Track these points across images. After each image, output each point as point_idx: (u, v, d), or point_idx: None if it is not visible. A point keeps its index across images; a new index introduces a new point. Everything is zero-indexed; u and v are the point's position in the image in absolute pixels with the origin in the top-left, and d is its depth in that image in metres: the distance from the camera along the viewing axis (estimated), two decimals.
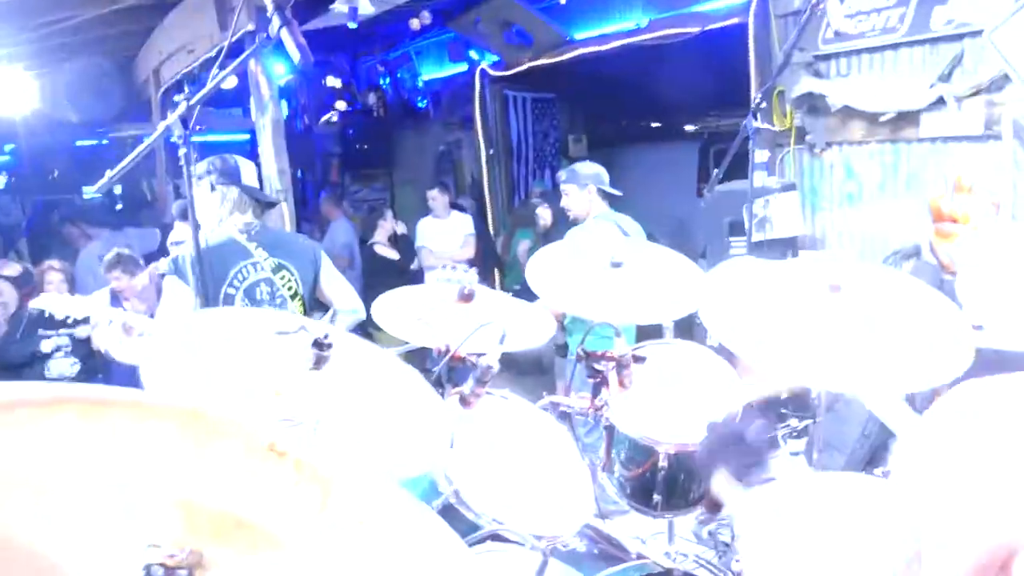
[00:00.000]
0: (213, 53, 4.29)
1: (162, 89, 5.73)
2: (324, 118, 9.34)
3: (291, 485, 0.94)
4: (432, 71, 8.52)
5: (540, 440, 1.84)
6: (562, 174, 4.22)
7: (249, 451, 0.96)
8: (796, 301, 2.13)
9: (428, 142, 8.97)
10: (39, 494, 0.75)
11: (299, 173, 9.93)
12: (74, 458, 0.81)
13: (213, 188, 2.85)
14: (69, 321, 4.04)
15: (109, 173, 2.26)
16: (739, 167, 3.89)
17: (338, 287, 3.07)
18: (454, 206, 7.28)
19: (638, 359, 2.08)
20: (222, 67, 3.36)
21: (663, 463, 1.94)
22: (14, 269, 5.95)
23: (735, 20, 4.99)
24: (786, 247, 4.69)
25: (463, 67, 7.88)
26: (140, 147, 2.22)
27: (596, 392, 2.06)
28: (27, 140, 9.29)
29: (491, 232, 7.79)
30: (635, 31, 5.85)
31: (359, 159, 9.43)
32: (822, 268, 2.23)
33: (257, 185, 3.01)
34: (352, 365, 1.49)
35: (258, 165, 4.06)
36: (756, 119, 2.62)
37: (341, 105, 9.37)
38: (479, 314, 1.96)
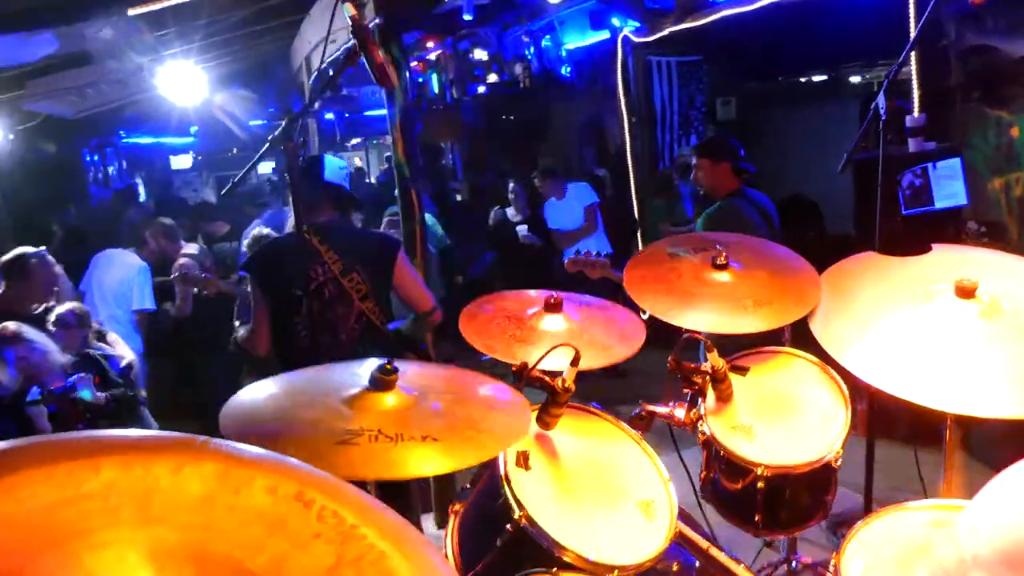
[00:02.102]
0: (350, 44, 4.44)
1: (313, 75, 6.03)
2: (476, 92, 9.47)
3: (310, 537, 0.97)
4: (575, 39, 8.38)
5: (623, 457, 1.79)
6: (693, 149, 4.05)
7: (276, 498, 1.00)
8: (920, 306, 1.94)
9: (572, 112, 8.88)
10: (68, 544, 0.81)
11: (448, 146, 10.17)
12: (107, 511, 0.87)
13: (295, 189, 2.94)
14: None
15: (244, 169, 2.46)
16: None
17: (411, 290, 3.06)
18: (591, 177, 7.22)
19: (738, 369, 1.98)
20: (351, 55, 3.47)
21: (761, 484, 1.84)
22: (194, 247, 6.52)
23: None
24: (947, 221, 4.27)
25: (605, 35, 7.70)
26: (260, 152, 2.35)
27: (693, 403, 1.99)
28: (207, 122, 10.06)
29: (634, 200, 7.64)
30: None
31: (505, 131, 9.49)
32: (954, 266, 2.01)
33: (344, 184, 3.08)
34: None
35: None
36: (887, 96, 2.36)
37: (492, 78, 9.44)
38: (567, 323, 1.93)
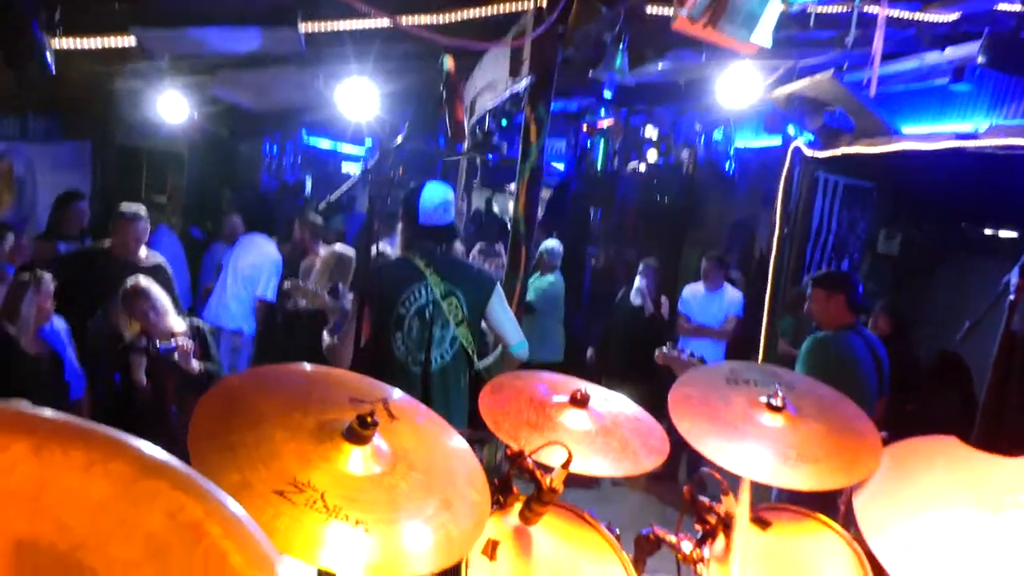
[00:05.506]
0: (506, 94, 4.60)
1: (474, 118, 6.25)
2: (631, 165, 9.48)
3: (185, 571, 0.93)
4: (746, 138, 8.24)
5: (601, 573, 1.68)
6: (810, 279, 3.93)
7: (172, 522, 0.98)
8: (984, 513, 1.70)
9: (726, 208, 8.70)
10: None
11: (596, 213, 10.21)
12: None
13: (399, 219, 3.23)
14: None
15: (331, 196, 2.59)
16: None
17: (503, 323, 3.21)
18: (727, 279, 7.00)
19: (760, 522, 1.83)
20: (507, 109, 3.57)
21: None
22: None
23: None
24: None
25: (777, 140, 7.51)
26: (352, 180, 2.44)
27: (701, 542, 1.84)
28: (379, 138, 10.62)
29: (765, 312, 7.33)
30: (971, 135, 5.12)
31: (656, 211, 9.42)
32: None
33: (444, 217, 3.18)
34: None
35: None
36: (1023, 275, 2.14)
37: (652, 155, 9.43)
38: (589, 422, 1.85)
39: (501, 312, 3.22)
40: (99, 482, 0.94)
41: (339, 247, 5.64)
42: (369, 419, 1.40)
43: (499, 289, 3.24)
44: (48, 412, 0.99)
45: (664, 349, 3.23)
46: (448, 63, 2.37)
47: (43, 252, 4.80)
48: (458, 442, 1.61)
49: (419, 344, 3.08)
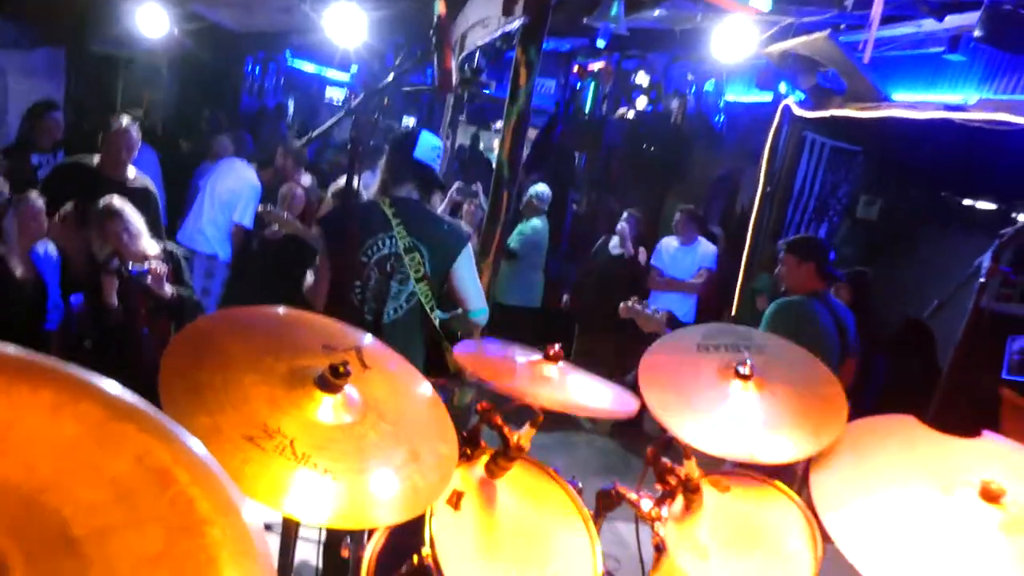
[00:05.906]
0: (498, 32, 4.49)
1: (464, 53, 6.10)
2: (620, 111, 9.37)
3: (150, 518, 0.93)
4: (737, 92, 8.17)
5: (561, 529, 1.72)
6: (782, 244, 3.94)
7: (139, 467, 0.97)
8: (935, 493, 1.76)
9: (712, 162, 8.66)
10: None
11: (581, 158, 10.12)
12: None
13: (384, 155, 3.06)
14: None
15: (313, 133, 2.52)
16: None
17: (466, 286, 3.07)
18: (705, 233, 7.02)
19: (719, 485, 1.87)
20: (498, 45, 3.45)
21: None
22: (308, 179, 6.73)
23: None
24: None
25: (768, 96, 7.45)
26: (337, 117, 2.39)
27: (660, 502, 1.89)
28: (366, 64, 10.36)
29: (742, 268, 7.38)
30: (959, 107, 5.11)
31: (642, 160, 9.37)
32: (995, 461, 1.81)
33: (435, 163, 3.09)
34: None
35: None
36: (995, 259, 2.16)
37: (641, 102, 9.32)
38: (561, 378, 1.87)
39: (466, 274, 3.09)
40: (67, 423, 0.93)
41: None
42: (341, 368, 1.40)
43: (468, 250, 3.10)
44: (13, 349, 0.96)
45: (629, 303, 3.24)
46: (440, 7, 2.29)
47: (16, 166, 4.66)
48: (429, 393, 1.63)
49: (376, 295, 3.00)
